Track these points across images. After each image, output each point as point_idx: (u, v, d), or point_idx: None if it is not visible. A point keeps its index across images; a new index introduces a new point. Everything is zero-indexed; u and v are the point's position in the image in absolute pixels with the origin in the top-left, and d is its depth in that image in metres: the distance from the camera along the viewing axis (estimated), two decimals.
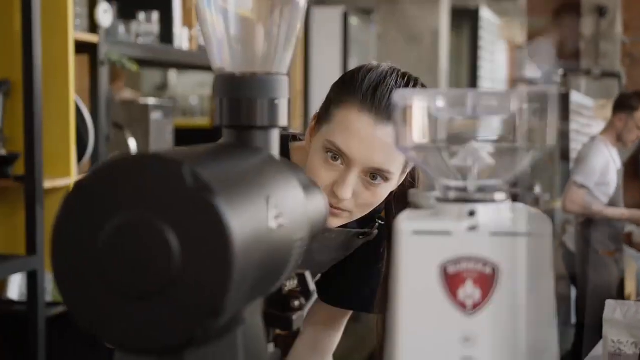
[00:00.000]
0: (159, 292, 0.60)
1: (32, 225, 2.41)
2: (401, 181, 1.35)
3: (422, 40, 5.62)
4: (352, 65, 4.78)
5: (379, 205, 1.43)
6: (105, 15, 2.73)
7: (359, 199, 1.28)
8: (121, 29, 3.04)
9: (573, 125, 6.98)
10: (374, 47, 5.72)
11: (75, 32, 2.64)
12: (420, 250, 0.67)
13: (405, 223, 0.68)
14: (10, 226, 2.55)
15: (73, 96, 2.60)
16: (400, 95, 0.69)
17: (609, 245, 4.46)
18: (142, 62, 3.33)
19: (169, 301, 0.60)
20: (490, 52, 8.04)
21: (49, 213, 2.47)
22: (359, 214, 1.32)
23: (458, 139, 0.71)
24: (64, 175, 2.58)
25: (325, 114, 1.30)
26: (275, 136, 0.78)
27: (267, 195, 0.67)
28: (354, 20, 5.39)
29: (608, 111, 8.26)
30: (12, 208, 2.55)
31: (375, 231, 1.45)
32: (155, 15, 3.19)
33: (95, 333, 0.62)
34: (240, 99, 0.76)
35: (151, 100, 3.30)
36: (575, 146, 7.03)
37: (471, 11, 7.29)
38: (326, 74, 4.83)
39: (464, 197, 0.69)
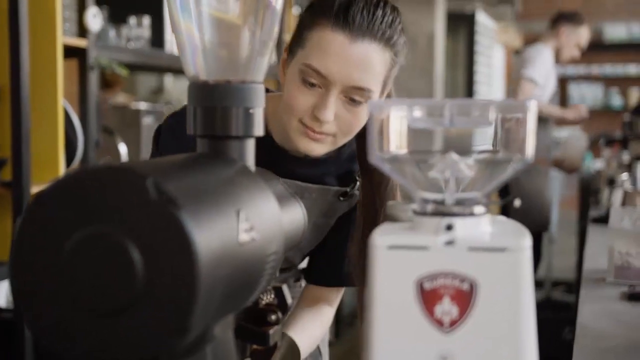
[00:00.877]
0: (121, 309, 0.57)
1: None
2: None
3: (417, 44, 5.60)
4: None
5: (357, 160, 1.41)
6: (94, 19, 2.70)
7: (341, 121, 1.27)
8: (112, 33, 3.01)
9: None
10: None
11: (64, 37, 2.62)
12: (395, 266, 0.65)
13: (380, 237, 0.65)
14: None
15: (61, 101, 2.57)
16: (375, 106, 0.67)
17: (543, 153, 4.54)
18: (133, 67, 3.31)
19: (132, 319, 0.57)
20: (487, 56, 8.03)
21: None
22: (342, 139, 1.30)
23: (438, 150, 0.68)
24: (52, 180, 2.55)
25: (297, 41, 1.29)
26: (250, 146, 0.76)
27: (238, 209, 0.65)
28: None
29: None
30: None
31: (357, 192, 1.43)
32: (146, 20, 3.16)
33: (56, 350, 0.60)
34: (215, 107, 0.74)
35: (143, 105, 3.28)
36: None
37: (467, 15, 7.27)
38: None
39: (441, 211, 0.66)
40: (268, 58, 0.78)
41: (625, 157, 3.88)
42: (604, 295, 1.73)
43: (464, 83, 7.46)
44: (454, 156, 0.67)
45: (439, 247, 0.64)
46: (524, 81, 4.45)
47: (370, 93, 1.26)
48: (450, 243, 0.64)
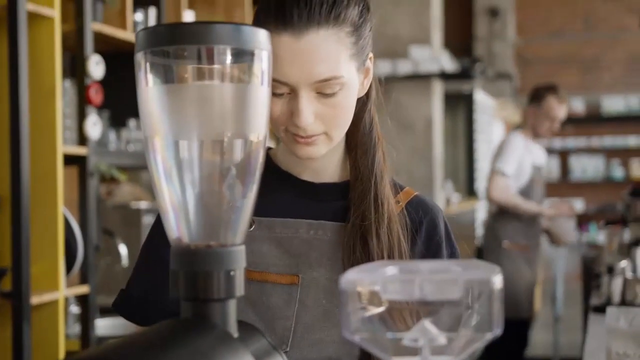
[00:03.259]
0: None
1: (19, 343, 2.38)
2: (367, 84, 1.29)
3: (415, 128, 5.66)
4: None
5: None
6: (94, 127, 2.76)
7: (324, 117, 1.20)
8: (112, 136, 3.07)
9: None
10: None
11: (65, 146, 2.66)
12: None
13: None
14: None
15: (62, 209, 2.60)
16: (347, 280, 0.69)
17: (517, 238, 4.53)
18: (133, 168, 3.35)
19: None
20: (487, 132, 8.09)
21: (36, 330, 2.45)
22: (336, 133, 1.23)
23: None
24: (52, 289, 2.56)
25: None
26: (232, 308, 0.78)
27: None
28: None
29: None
30: None
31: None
32: None
33: None
34: (196, 272, 0.76)
35: (143, 204, 3.31)
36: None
37: (465, 95, 7.36)
38: None
39: None
40: (248, 218, 0.80)
41: (626, 236, 3.88)
42: None
43: (464, 161, 7.51)
44: (427, 325, 0.69)
45: None
46: (495, 174, 4.53)
47: (340, 79, 1.19)
48: None
